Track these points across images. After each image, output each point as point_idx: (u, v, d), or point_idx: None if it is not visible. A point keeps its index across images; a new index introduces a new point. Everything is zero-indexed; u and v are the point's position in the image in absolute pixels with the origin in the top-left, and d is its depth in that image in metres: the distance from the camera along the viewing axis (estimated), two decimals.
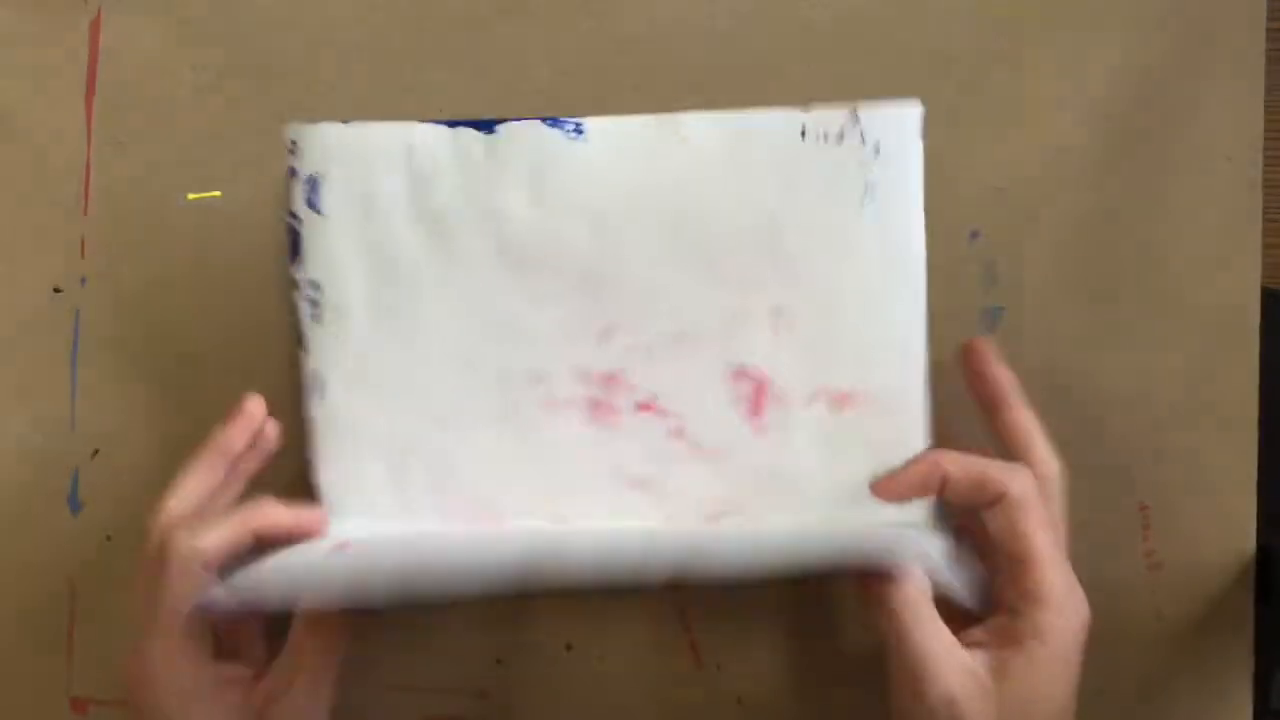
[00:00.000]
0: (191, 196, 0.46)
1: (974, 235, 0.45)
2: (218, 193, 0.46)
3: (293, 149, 0.40)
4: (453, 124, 0.40)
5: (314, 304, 0.41)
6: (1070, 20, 0.44)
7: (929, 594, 0.36)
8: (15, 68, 0.47)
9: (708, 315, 0.40)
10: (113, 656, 0.46)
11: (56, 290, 0.46)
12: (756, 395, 0.40)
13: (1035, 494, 0.37)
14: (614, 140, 0.40)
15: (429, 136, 0.40)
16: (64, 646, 0.46)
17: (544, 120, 0.40)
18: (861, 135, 0.39)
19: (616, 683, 0.45)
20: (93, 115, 0.46)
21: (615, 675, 0.45)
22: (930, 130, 0.42)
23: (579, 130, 0.40)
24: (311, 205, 0.41)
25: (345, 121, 0.40)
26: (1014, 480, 0.37)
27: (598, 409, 0.41)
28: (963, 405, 0.41)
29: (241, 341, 0.46)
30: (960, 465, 0.38)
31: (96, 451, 0.46)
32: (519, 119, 0.40)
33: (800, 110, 0.40)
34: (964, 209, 0.44)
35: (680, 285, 0.40)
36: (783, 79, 0.45)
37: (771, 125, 0.40)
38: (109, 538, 0.46)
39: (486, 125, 0.40)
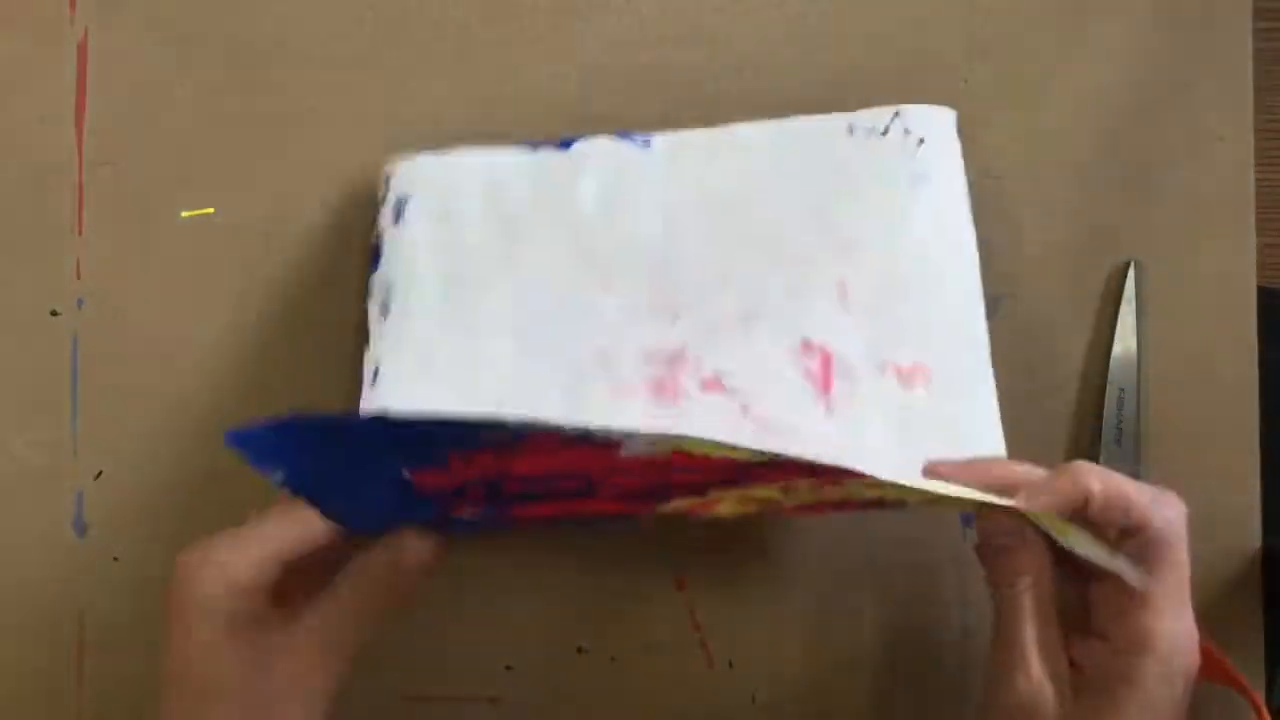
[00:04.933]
0: (186, 214, 0.46)
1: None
2: (211, 209, 0.46)
3: (387, 180, 0.43)
4: (534, 145, 0.43)
5: (384, 305, 0.42)
6: (1062, 9, 0.44)
7: (1052, 588, 0.35)
8: (3, 91, 0.46)
9: (772, 292, 0.41)
10: (122, 679, 0.46)
11: (54, 313, 0.46)
12: (824, 370, 0.40)
13: (1180, 533, 0.34)
14: (677, 148, 0.42)
15: (509, 156, 0.43)
16: (73, 670, 0.46)
17: (616, 135, 0.43)
18: (905, 129, 0.41)
19: (629, 685, 0.45)
20: (83, 136, 0.46)
21: (627, 677, 0.45)
22: None
23: (647, 143, 0.42)
24: (396, 219, 0.42)
25: (434, 149, 0.43)
26: (1159, 513, 0.34)
27: (663, 390, 0.41)
28: None
29: (241, 358, 0.46)
30: (1105, 485, 0.35)
31: (100, 473, 0.46)
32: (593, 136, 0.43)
33: (844, 113, 0.42)
34: None
35: (745, 266, 0.41)
36: (780, 78, 0.45)
37: (819, 126, 0.42)
38: (116, 559, 0.46)
39: (564, 144, 0.43)
